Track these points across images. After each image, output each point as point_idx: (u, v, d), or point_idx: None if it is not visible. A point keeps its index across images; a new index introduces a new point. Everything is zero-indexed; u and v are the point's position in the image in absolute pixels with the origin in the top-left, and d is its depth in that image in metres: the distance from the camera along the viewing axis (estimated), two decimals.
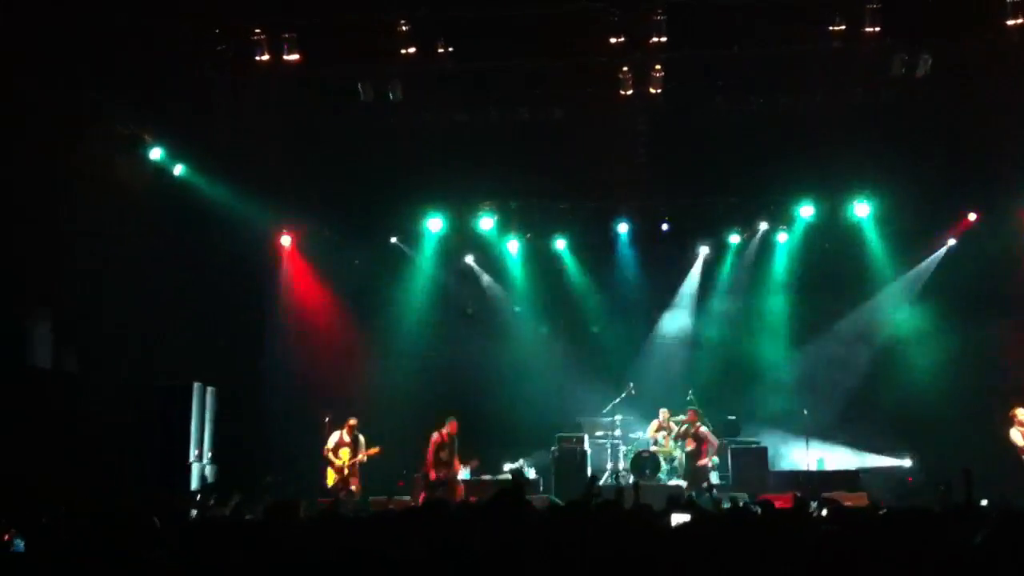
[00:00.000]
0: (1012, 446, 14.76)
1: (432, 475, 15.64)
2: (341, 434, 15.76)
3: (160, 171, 16.48)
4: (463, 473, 16.36)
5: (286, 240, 18.94)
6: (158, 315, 15.84)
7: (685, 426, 16.63)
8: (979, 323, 17.62)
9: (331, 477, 15.64)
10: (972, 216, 18.26)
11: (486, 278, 20.14)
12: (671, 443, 17.41)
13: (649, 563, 4.79)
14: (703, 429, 16.55)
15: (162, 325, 15.96)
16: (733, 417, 18.44)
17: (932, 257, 18.86)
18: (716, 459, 16.84)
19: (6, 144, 12.87)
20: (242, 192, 16.73)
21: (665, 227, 19.29)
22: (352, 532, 5.99)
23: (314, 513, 8.57)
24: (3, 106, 12.61)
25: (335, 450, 15.70)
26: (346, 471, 15.62)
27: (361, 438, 15.76)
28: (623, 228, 19.35)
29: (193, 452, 16.18)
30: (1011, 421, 14.87)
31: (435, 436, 15.74)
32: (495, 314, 20.06)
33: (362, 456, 15.66)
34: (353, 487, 15.60)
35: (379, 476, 16.44)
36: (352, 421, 15.80)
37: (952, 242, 18.63)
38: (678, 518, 8.11)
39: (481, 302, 20.08)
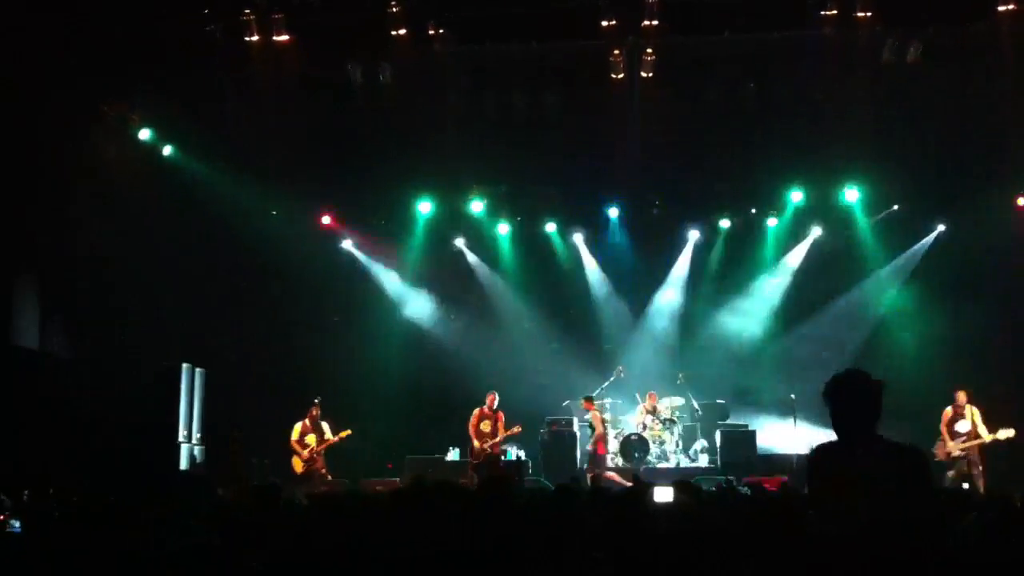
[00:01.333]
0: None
1: (476, 445, 16.16)
2: (305, 423, 15.76)
3: (149, 152, 16.43)
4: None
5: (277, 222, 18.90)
6: (149, 296, 15.80)
7: (588, 415, 16.84)
8: (968, 308, 17.69)
9: (298, 465, 15.62)
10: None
11: (476, 261, 20.10)
12: (659, 427, 17.57)
13: (642, 546, 4.83)
14: (596, 416, 16.80)
15: (153, 306, 15.91)
16: (722, 400, 18.50)
17: (922, 242, 18.91)
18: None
19: None
20: (232, 173, 16.67)
21: (655, 211, 19.30)
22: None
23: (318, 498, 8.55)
24: None
25: (300, 439, 15.71)
26: (315, 456, 15.64)
27: (325, 424, 15.76)
28: (613, 212, 19.36)
29: (182, 434, 16.18)
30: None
31: (476, 410, 16.31)
32: (484, 297, 20.04)
33: (332, 440, 15.66)
34: (323, 471, 15.64)
35: (366, 459, 16.50)
36: (315, 411, 15.78)
37: (942, 227, 18.70)
38: (661, 493, 8.15)
39: (471, 285, 20.04)
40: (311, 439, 15.66)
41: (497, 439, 16.17)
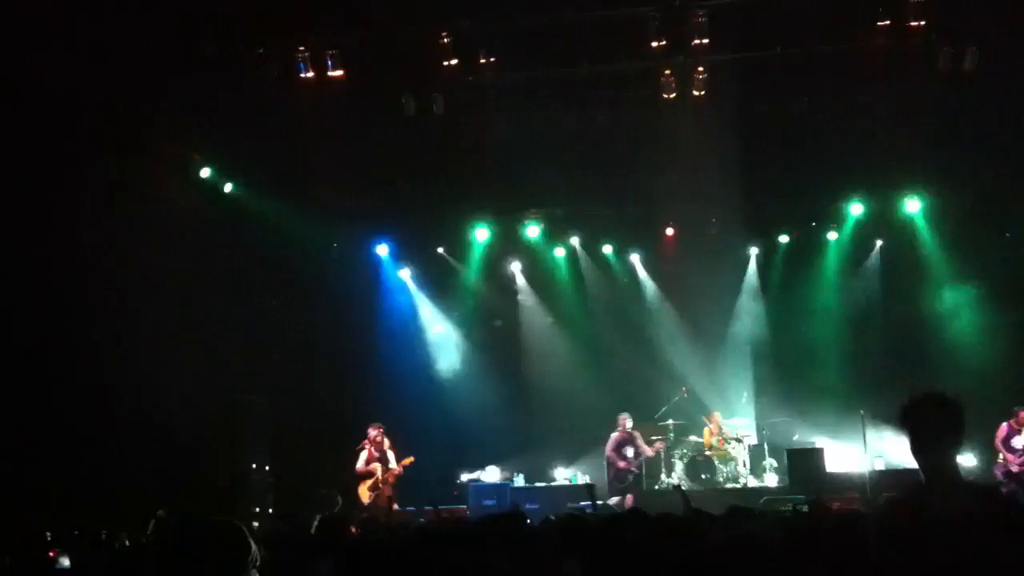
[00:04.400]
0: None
1: (620, 465, 16.36)
2: (371, 451, 15.71)
3: (210, 189, 16.74)
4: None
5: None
6: (217, 330, 16.03)
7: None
8: None
9: (365, 495, 15.57)
10: None
11: (529, 286, 20.10)
12: (726, 447, 17.38)
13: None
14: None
15: (222, 340, 16.14)
16: (789, 419, 18.24)
17: (990, 251, 18.48)
18: None
19: (57, 167, 13.12)
20: (291, 208, 16.92)
21: (713, 229, 19.17)
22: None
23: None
24: (48, 125, 12.78)
25: (367, 466, 15.70)
26: (380, 485, 15.61)
27: (390, 453, 15.71)
28: (668, 231, 19.29)
29: (252, 466, 16.36)
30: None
31: (615, 434, 16.54)
32: (542, 321, 20.02)
33: (396, 468, 15.63)
34: (388, 500, 15.61)
35: (431, 486, 16.55)
36: (379, 437, 15.62)
37: (1008, 235, 18.30)
38: None
39: (526, 309, 20.04)
40: (376, 467, 15.68)
41: (641, 458, 16.43)
